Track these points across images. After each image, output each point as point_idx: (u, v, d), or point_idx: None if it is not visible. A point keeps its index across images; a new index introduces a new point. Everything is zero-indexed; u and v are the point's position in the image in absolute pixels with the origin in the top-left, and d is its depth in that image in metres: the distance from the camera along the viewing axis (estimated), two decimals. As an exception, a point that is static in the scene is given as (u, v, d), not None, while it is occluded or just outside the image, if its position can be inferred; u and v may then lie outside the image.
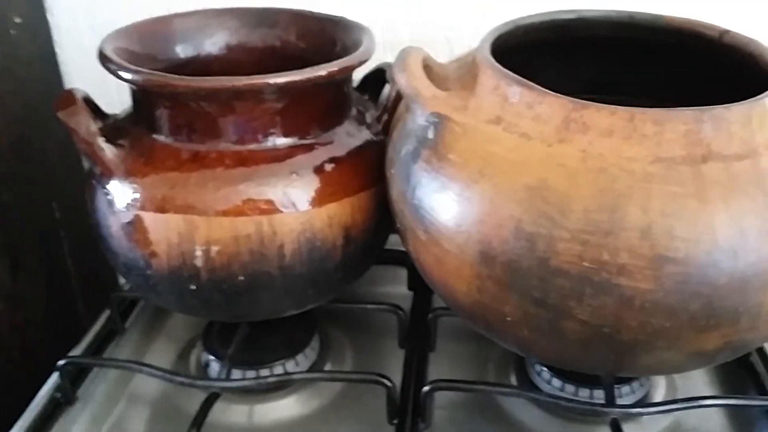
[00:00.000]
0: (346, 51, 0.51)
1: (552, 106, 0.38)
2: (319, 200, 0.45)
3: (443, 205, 0.39)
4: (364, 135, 0.49)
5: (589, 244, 0.35)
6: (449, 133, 0.40)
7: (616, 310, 0.35)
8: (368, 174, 0.48)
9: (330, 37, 0.54)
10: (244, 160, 0.44)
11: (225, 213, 0.43)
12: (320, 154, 0.46)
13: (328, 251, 0.46)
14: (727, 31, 0.46)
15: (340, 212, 0.46)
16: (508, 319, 0.38)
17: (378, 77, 0.55)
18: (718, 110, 0.36)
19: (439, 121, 0.41)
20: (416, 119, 0.42)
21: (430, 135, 0.41)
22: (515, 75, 0.40)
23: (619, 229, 0.35)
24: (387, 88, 0.54)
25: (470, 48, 0.49)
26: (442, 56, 0.66)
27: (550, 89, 0.56)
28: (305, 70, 0.44)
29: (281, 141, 0.45)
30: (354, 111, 0.51)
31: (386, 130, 0.50)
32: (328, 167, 0.46)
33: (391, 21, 0.66)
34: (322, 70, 0.44)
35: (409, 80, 0.41)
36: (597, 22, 0.49)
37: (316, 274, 0.46)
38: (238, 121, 0.44)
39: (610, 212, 0.35)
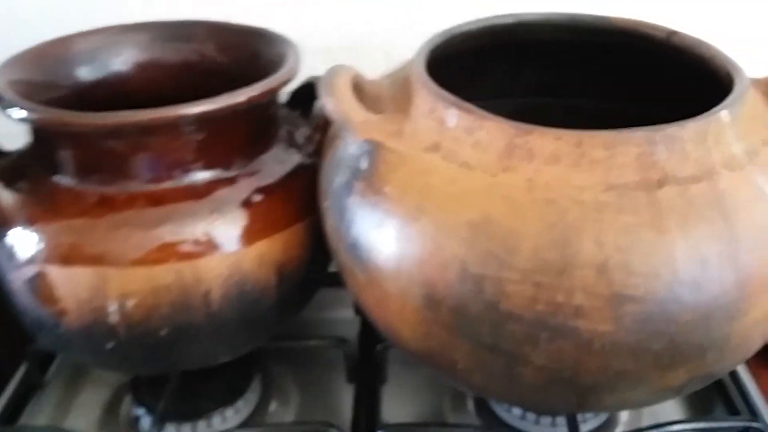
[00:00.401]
0: (270, 65, 0.47)
1: (493, 131, 0.34)
2: (247, 239, 0.41)
3: (381, 243, 0.35)
4: (294, 159, 0.45)
5: (541, 285, 0.32)
6: (384, 163, 0.36)
7: (575, 354, 0.32)
8: (301, 203, 0.44)
9: (253, 50, 0.50)
10: (158, 201, 0.40)
11: (140, 262, 0.39)
12: (245, 187, 0.42)
13: (260, 293, 0.42)
14: (674, 32, 0.43)
15: (271, 249, 0.42)
16: (459, 366, 0.35)
17: (308, 91, 0.51)
18: (672, 129, 0.33)
19: (373, 150, 0.37)
20: (348, 147, 0.38)
21: (364, 165, 0.37)
22: (452, 96, 0.36)
23: (573, 267, 0.31)
24: (319, 103, 0.50)
25: (410, 54, 0.46)
26: (378, 65, 0.63)
27: (495, 96, 0.54)
28: (221, 98, 0.39)
29: (200, 176, 0.41)
30: (283, 132, 0.47)
31: (319, 150, 0.46)
32: (256, 201, 0.42)
33: (322, 28, 0.62)
34: (240, 96, 0.40)
35: (337, 104, 0.37)
36: (538, 26, 0.46)
37: (249, 318, 0.42)
38: (149, 157, 0.40)
39: (562, 248, 0.32)
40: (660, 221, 0.32)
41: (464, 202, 0.33)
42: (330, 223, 0.39)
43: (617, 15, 0.45)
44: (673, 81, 0.45)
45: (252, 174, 0.43)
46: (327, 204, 0.40)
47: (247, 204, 0.42)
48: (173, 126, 0.39)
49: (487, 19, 0.46)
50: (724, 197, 0.32)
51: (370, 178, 0.37)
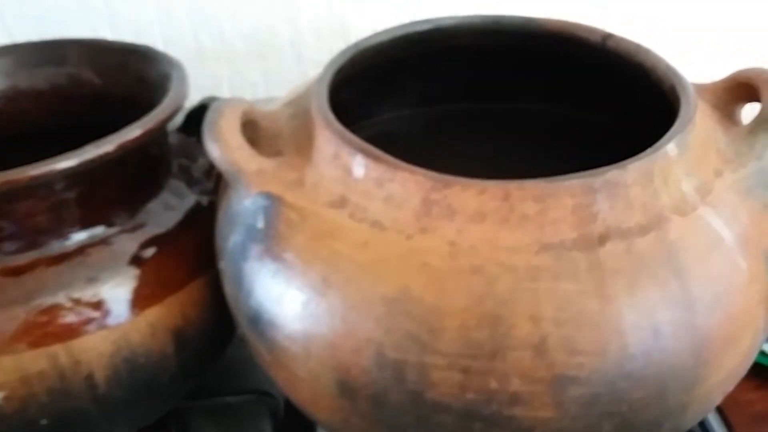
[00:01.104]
0: (156, 88, 0.41)
1: (406, 184, 0.29)
2: (134, 307, 0.35)
3: (285, 320, 0.30)
4: (189, 201, 0.39)
5: (471, 371, 0.27)
6: (283, 222, 0.31)
7: (514, 443, 0.28)
8: (199, 254, 0.38)
9: (133, 71, 0.43)
10: (21, 274, 0.34)
11: (4, 349, 0.33)
12: (129, 245, 0.36)
13: (156, 365, 0.36)
14: (609, 36, 0.38)
15: (166, 315, 0.36)
16: (386, 456, 0.31)
17: (203, 113, 0.45)
18: (612, 174, 0.28)
19: (269, 205, 0.31)
20: (241, 200, 0.33)
21: (260, 223, 0.32)
22: (358, 139, 0.31)
23: (507, 349, 0.27)
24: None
25: (322, 56, 0.41)
26: (287, 66, 0.56)
27: (417, 104, 0.49)
28: (86, 149, 0.33)
29: (73, 239, 0.35)
30: (175, 167, 0.41)
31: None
32: (143, 260, 0.36)
33: (221, 29, 0.56)
34: (108, 145, 0.33)
35: (224, 152, 0.31)
36: (457, 31, 0.41)
37: (146, 392, 0.37)
38: (6, 224, 0.33)
39: (493, 327, 0.27)
40: (604, 287, 0.27)
41: (377, 273, 0.28)
42: (228, 287, 0.34)
43: (551, 16, 0.40)
44: (613, 85, 0.40)
45: (137, 228, 0.37)
46: (222, 265, 0.34)
47: (132, 265, 0.36)
48: (29, 188, 0.33)
49: (401, 27, 0.40)
50: (677, 250, 0.28)
51: (267, 241, 0.31)
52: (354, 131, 0.45)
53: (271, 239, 0.31)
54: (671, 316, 0.27)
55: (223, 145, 0.31)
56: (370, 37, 0.39)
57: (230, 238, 0.33)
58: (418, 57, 0.41)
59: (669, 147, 0.29)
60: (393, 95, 0.46)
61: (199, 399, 0.46)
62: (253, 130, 0.35)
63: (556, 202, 0.28)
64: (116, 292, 0.35)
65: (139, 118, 0.36)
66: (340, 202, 0.30)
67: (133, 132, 0.34)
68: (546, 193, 0.28)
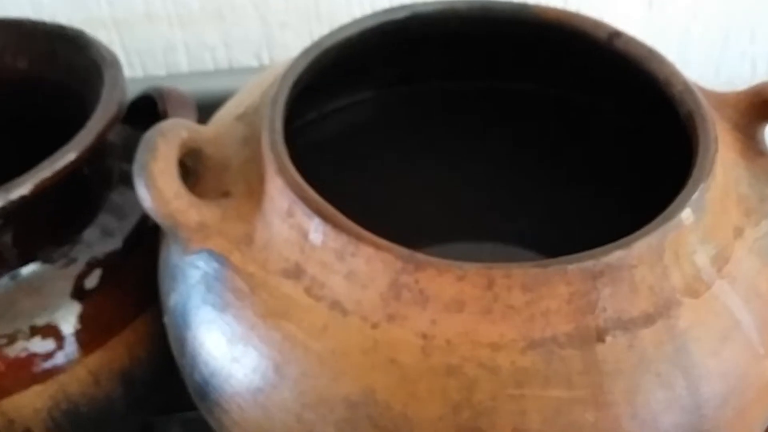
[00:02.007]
0: (84, 81, 0.35)
1: (371, 261, 0.24)
2: (71, 357, 0.31)
3: (233, 406, 0.26)
4: (132, 220, 0.34)
5: (444, 489, 0.24)
6: (229, 291, 0.26)
7: None
8: (145, 284, 0.33)
9: (63, 59, 0.37)
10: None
11: (-77, 418, 0.29)
12: (60, 288, 0.31)
13: (102, 411, 0.33)
14: (617, 34, 0.32)
15: (109, 359, 0.33)
16: None
17: (148, 104, 0.39)
18: (616, 255, 0.23)
19: (213, 267, 0.27)
20: (181, 255, 0.28)
21: (200, 288, 0.27)
22: (315, 195, 0.26)
23: (486, 467, 0.23)
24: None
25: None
26: (250, 29, 0.50)
27: (398, 82, 0.43)
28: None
29: (-7, 286, 0.31)
30: (116, 177, 0.36)
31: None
32: (78, 303, 0.31)
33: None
34: (23, 188, 0.28)
35: (157, 204, 0.26)
36: (439, 18, 0.35)
37: (93, 439, 0.34)
38: None
39: (471, 440, 0.23)
40: (601, 392, 0.23)
41: (338, 368, 0.24)
42: (172, 347, 0.30)
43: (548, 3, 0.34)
44: (617, 83, 0.35)
45: (69, 264, 0.32)
46: (166, 321, 0.30)
47: (65, 309, 0.31)
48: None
49: (373, 16, 0.34)
50: (686, 342, 0.24)
51: (211, 311, 0.27)
52: (317, 120, 0.40)
53: (216, 309, 0.26)
54: (676, 421, 0.24)
55: (156, 195, 0.26)
56: (335, 32, 0.33)
57: (171, 296, 0.29)
58: (394, 45, 0.36)
59: (684, 215, 0.24)
60: (364, 78, 0.40)
61: (173, 413, 0.43)
62: (196, 160, 0.30)
63: (549, 291, 0.23)
64: (47, 344, 0.31)
65: (71, 112, 0.31)
66: (295, 272, 0.25)
67: (53, 166, 0.29)
68: (537, 281, 0.23)
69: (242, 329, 0.26)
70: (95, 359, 0.32)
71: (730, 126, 0.30)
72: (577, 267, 0.23)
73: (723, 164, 0.27)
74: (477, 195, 0.42)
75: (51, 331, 0.31)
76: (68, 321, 0.31)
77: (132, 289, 0.33)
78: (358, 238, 0.24)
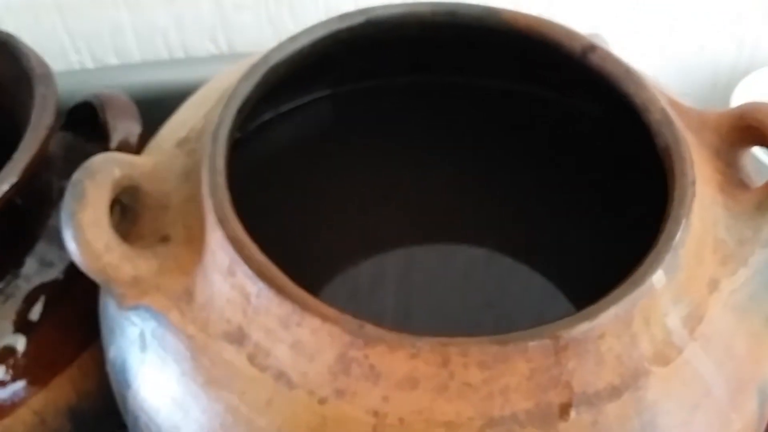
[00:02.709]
0: (15, 99, 0.32)
1: (318, 333, 0.22)
2: (11, 402, 0.30)
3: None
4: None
5: None
6: (169, 353, 0.25)
7: None
8: (91, 315, 0.31)
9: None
10: None
11: None
12: (-3, 327, 0.30)
13: (50, 449, 0.32)
14: (592, 48, 0.30)
15: (54, 398, 0.31)
16: None
17: (87, 110, 0.36)
18: (582, 329, 0.22)
19: (150, 325, 0.25)
20: (118, 309, 0.26)
21: (134, 347, 0.25)
22: (259, 254, 0.23)
23: None
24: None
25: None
26: (205, 12, 0.47)
27: (351, 83, 0.40)
28: None
29: None
30: (55, 195, 0.33)
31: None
32: (15, 346, 0.30)
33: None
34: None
35: (86, 259, 0.24)
36: (400, 23, 0.32)
37: (43, 477, 0.32)
38: None
39: None
40: (563, 474, 0.22)
41: (282, 446, 0.23)
42: (116, 397, 0.28)
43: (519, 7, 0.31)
44: (591, 94, 0.33)
45: (7, 300, 0.30)
46: (108, 370, 0.28)
47: (6, 349, 0.30)
48: None
49: (325, 24, 0.31)
50: (654, 416, 0.22)
51: (149, 375, 0.25)
52: (274, 120, 0.38)
53: (155, 372, 0.25)
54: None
55: (86, 249, 0.24)
56: (284, 44, 0.30)
57: (110, 349, 0.27)
58: (351, 52, 0.33)
59: (655, 278, 0.23)
60: (323, 78, 0.37)
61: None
62: (133, 198, 0.27)
63: (508, 368, 0.22)
64: (-17, 390, 0.29)
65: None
66: (238, 337, 0.24)
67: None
68: (495, 359, 0.21)
69: (183, 397, 0.24)
70: (39, 401, 0.30)
71: (709, 153, 0.28)
72: (538, 344, 0.21)
73: (700, 206, 0.25)
74: (446, 195, 0.40)
75: (-13, 376, 0.29)
76: (8, 362, 0.30)
77: (76, 323, 0.31)
78: (304, 307, 0.22)
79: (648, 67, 0.52)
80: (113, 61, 0.47)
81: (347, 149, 0.39)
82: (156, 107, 0.37)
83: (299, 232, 0.36)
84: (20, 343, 0.30)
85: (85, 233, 0.24)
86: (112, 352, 0.27)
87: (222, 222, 0.24)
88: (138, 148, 0.34)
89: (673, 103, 0.30)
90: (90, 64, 0.47)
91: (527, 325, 0.22)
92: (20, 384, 0.30)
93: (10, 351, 0.30)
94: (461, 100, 0.39)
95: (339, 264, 0.36)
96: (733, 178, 0.28)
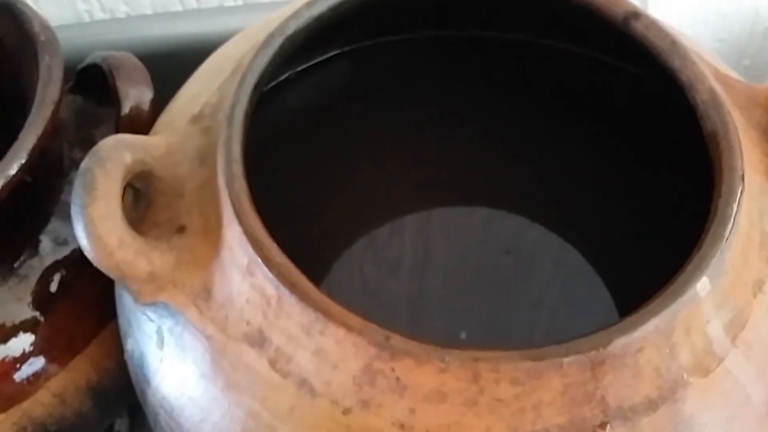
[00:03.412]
0: (21, 65, 0.31)
1: (342, 343, 0.21)
2: (30, 384, 0.29)
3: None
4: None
5: None
6: (188, 352, 0.24)
7: None
8: (110, 292, 0.31)
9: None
10: None
11: None
12: (11, 311, 0.29)
13: (73, 425, 0.31)
14: (636, 14, 0.27)
15: (73, 378, 0.30)
16: None
17: (95, 73, 0.34)
18: (620, 344, 0.20)
19: (168, 322, 0.24)
20: (134, 302, 0.25)
21: (152, 345, 0.24)
22: (279, 254, 0.22)
23: None
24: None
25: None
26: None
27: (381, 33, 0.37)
28: None
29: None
30: (67, 165, 0.32)
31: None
32: (32, 325, 0.29)
33: None
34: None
35: (100, 256, 0.23)
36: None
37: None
38: None
39: None
40: (595, 492, 0.21)
41: (305, 455, 0.22)
42: (135, 388, 0.28)
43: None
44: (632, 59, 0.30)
45: (20, 282, 0.29)
46: (126, 359, 0.28)
47: (18, 334, 0.29)
48: None
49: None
50: (691, 430, 0.22)
51: (167, 374, 0.24)
52: (291, 80, 0.36)
53: (173, 372, 0.24)
54: None
55: (98, 246, 0.23)
56: (301, 10, 0.28)
57: (128, 341, 0.26)
58: (371, 8, 0.30)
59: (699, 286, 0.21)
60: (340, 35, 0.35)
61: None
62: (146, 183, 0.26)
63: (541, 384, 0.21)
64: (4, 371, 0.29)
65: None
66: (259, 340, 0.23)
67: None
68: (528, 375, 0.20)
69: (203, 399, 0.23)
70: (58, 382, 0.30)
71: (757, 134, 0.26)
72: (574, 360, 0.20)
73: (748, 198, 0.24)
74: (467, 155, 0.38)
75: (6, 358, 0.29)
76: (25, 344, 0.29)
77: (94, 301, 0.31)
78: (327, 315, 0.21)
79: (687, 11, 0.49)
80: (123, 8, 0.44)
81: (367, 107, 0.37)
82: (169, 62, 0.35)
83: (319, 195, 0.35)
84: (37, 323, 0.29)
85: (97, 228, 0.23)
86: (129, 344, 0.26)
87: (239, 217, 0.23)
88: (150, 114, 0.32)
89: (720, 76, 0.27)
90: (99, 14, 0.44)
91: (561, 340, 0.21)
92: (38, 365, 0.29)
93: (27, 331, 0.29)
94: (486, 56, 0.37)
95: (360, 226, 0.35)
96: (783, 164, 0.26)
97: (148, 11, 0.44)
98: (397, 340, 0.21)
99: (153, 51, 0.43)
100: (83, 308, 0.31)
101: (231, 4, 0.43)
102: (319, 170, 0.36)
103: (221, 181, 0.24)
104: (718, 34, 0.48)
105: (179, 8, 0.43)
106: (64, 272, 0.30)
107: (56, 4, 0.44)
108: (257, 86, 0.26)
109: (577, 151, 0.36)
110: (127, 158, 0.25)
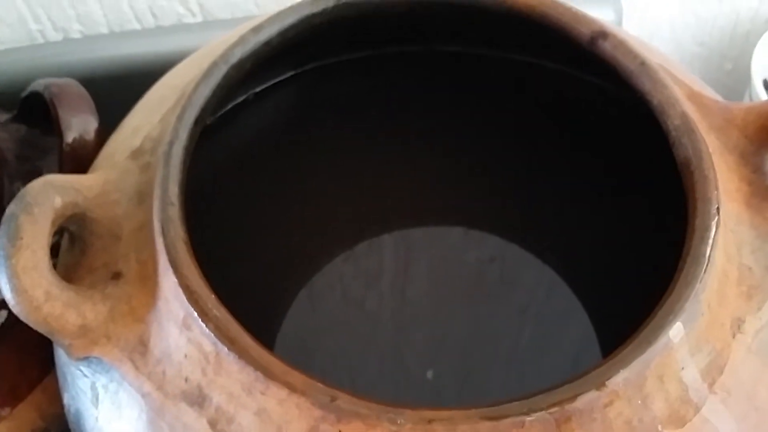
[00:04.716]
0: None
1: (285, 404, 0.19)
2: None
3: None
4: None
5: None
6: (123, 412, 0.22)
7: None
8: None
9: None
10: None
11: None
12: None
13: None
14: (604, 34, 0.25)
15: (18, 427, 0.28)
16: None
17: (40, 99, 0.33)
18: (587, 399, 0.19)
19: (102, 380, 0.22)
20: (68, 359, 0.23)
21: (92, 401, 0.23)
22: (217, 308, 0.20)
23: None
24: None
25: None
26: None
27: (342, 53, 0.35)
28: None
29: None
30: (6, 200, 0.30)
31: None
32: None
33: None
34: None
35: (27, 311, 0.21)
36: (379, 8, 0.28)
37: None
38: None
39: None
40: None
41: None
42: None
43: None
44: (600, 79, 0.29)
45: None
46: (66, 414, 0.26)
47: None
48: None
49: (296, 8, 0.27)
50: (667, 487, 0.20)
51: (105, 433, 0.22)
52: (247, 102, 0.34)
53: (110, 430, 0.22)
54: None
55: (23, 299, 0.21)
56: (247, 36, 0.26)
57: (65, 395, 0.24)
58: (324, 32, 0.29)
59: (672, 332, 0.20)
60: (291, 59, 0.33)
61: None
62: (81, 226, 0.24)
63: (503, 443, 0.19)
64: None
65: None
66: (198, 398, 0.21)
67: None
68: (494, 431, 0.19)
69: (140, 464, 0.22)
70: (1, 429, 0.28)
71: (735, 159, 0.25)
72: (536, 418, 0.19)
73: (724, 230, 0.22)
74: (438, 174, 0.36)
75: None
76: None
77: (37, 343, 0.29)
78: (268, 374, 0.20)
79: (665, 15, 0.47)
80: (77, 28, 0.42)
81: (319, 132, 0.35)
82: (126, 83, 0.34)
83: (274, 228, 0.33)
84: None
85: (21, 280, 0.21)
86: (66, 399, 0.24)
87: (174, 266, 0.21)
88: (96, 143, 0.31)
89: (694, 96, 0.26)
90: (52, 33, 0.43)
91: (522, 395, 0.19)
92: (-25, 420, 0.28)
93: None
94: (455, 70, 0.35)
95: (320, 256, 0.34)
96: (760, 188, 0.24)
97: (104, 30, 0.42)
98: (344, 401, 0.19)
99: (110, 72, 0.41)
100: (25, 352, 0.29)
101: (190, 20, 0.41)
102: (273, 202, 0.34)
103: (156, 226, 0.22)
104: (698, 38, 0.47)
105: (136, 26, 0.41)
106: (3, 314, 0.28)
107: (7, 24, 0.42)
108: (198, 120, 0.24)
109: (554, 170, 0.34)
110: (57, 202, 0.23)
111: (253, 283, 0.31)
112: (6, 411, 0.28)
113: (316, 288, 0.32)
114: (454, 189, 0.36)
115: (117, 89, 0.33)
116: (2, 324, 0.28)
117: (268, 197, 0.34)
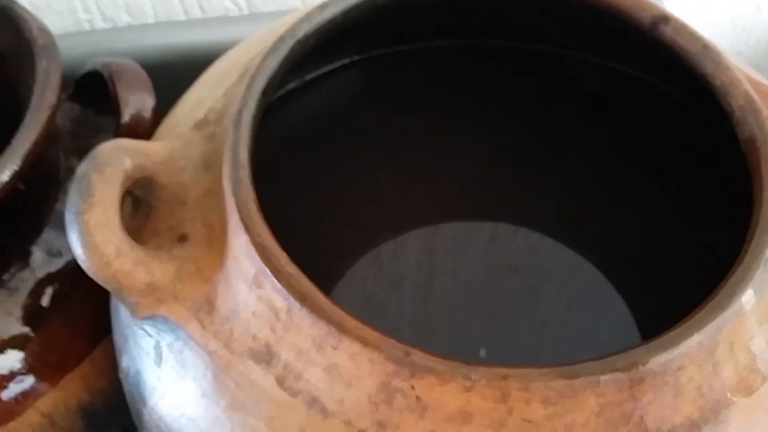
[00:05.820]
0: (18, 70, 0.29)
1: (357, 359, 0.20)
2: (16, 405, 0.27)
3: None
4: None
5: None
6: (188, 370, 0.22)
7: None
8: (105, 307, 0.29)
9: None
10: None
11: None
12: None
13: (62, 450, 0.30)
14: (665, 18, 0.26)
15: (64, 398, 0.29)
16: None
17: (96, 81, 0.33)
18: (661, 360, 0.19)
19: (168, 338, 0.22)
20: (131, 316, 0.24)
21: (148, 360, 0.23)
22: (289, 265, 0.21)
23: None
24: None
25: None
26: None
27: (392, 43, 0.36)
28: None
29: None
30: (62, 174, 0.30)
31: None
32: (20, 343, 0.27)
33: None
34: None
35: (95, 266, 0.22)
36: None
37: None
38: None
39: None
40: None
41: (315, 483, 0.20)
42: (130, 407, 0.26)
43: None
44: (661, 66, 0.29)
45: (10, 296, 0.28)
46: (121, 378, 0.26)
47: (6, 351, 0.27)
48: None
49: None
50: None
51: (165, 394, 0.22)
52: (298, 89, 0.34)
53: (171, 390, 0.22)
54: None
55: (94, 255, 0.21)
56: (313, 13, 0.26)
57: (123, 357, 0.25)
58: (386, 14, 0.29)
59: (744, 299, 0.20)
60: (351, 43, 0.34)
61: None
62: (147, 190, 0.24)
63: (576, 404, 0.19)
64: (-11, 392, 0.27)
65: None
66: (266, 356, 0.21)
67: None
68: (561, 395, 0.19)
69: (203, 420, 0.22)
70: (48, 400, 0.28)
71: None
72: (611, 377, 0.19)
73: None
74: (478, 169, 0.36)
75: (-8, 376, 0.27)
76: (14, 361, 0.27)
77: (87, 316, 0.29)
78: (341, 329, 0.20)
79: (702, 24, 0.48)
80: (125, 18, 0.43)
81: (376, 118, 0.36)
82: (171, 72, 0.34)
83: (324, 207, 0.34)
84: (27, 339, 0.28)
85: (93, 236, 0.21)
86: (125, 361, 0.24)
87: (247, 225, 0.21)
88: (152, 122, 0.31)
89: (753, 83, 0.26)
90: (100, 23, 0.43)
91: (597, 356, 0.19)
92: (27, 384, 0.27)
93: (16, 347, 0.28)
94: (503, 66, 0.35)
95: (365, 240, 0.34)
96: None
97: (151, 20, 0.43)
98: (418, 356, 0.19)
99: (155, 60, 0.42)
100: (76, 324, 0.29)
101: (236, 13, 0.42)
102: (326, 182, 0.34)
103: (227, 188, 0.22)
104: (735, 47, 0.47)
105: (183, 17, 0.42)
106: (57, 285, 0.28)
107: (57, 13, 0.43)
108: (266, 90, 0.25)
109: (589, 162, 0.34)
110: (127, 164, 0.23)
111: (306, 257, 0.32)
112: (55, 380, 0.28)
113: (360, 270, 0.32)
114: (500, 182, 0.36)
115: (162, 78, 0.33)
116: (53, 295, 0.29)
117: (313, 182, 0.34)
